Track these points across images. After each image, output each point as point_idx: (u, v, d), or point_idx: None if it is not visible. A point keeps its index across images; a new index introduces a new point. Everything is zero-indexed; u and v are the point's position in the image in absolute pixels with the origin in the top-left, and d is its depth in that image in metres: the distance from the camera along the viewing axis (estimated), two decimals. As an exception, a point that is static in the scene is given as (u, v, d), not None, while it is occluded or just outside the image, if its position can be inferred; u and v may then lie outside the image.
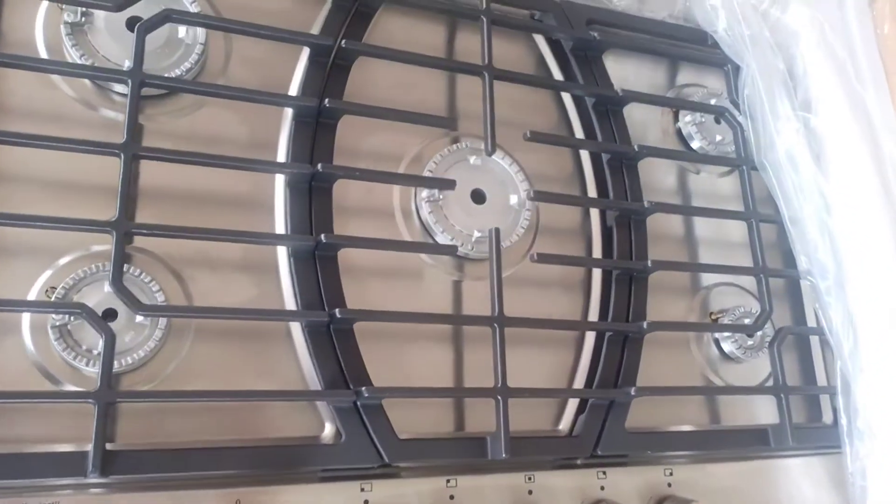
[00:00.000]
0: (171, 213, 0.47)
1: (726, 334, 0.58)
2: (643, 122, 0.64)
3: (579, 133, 0.60)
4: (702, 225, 0.63)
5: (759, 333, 0.58)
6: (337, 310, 0.45)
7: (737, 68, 0.62)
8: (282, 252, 0.48)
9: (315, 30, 0.53)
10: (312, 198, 0.48)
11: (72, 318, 0.41)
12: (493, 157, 0.54)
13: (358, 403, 0.45)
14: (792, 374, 0.60)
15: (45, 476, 0.38)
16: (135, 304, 0.41)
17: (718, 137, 0.63)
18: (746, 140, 0.61)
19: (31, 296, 0.42)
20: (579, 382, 0.53)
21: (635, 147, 0.57)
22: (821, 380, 0.62)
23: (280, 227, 0.48)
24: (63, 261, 0.44)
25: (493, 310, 0.48)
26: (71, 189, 0.45)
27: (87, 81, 0.47)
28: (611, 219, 0.57)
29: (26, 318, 0.42)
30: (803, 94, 0.61)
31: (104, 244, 0.44)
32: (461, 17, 0.57)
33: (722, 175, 0.65)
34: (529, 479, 0.48)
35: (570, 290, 0.56)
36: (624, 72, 0.64)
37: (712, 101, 0.64)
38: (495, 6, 0.56)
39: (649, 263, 0.55)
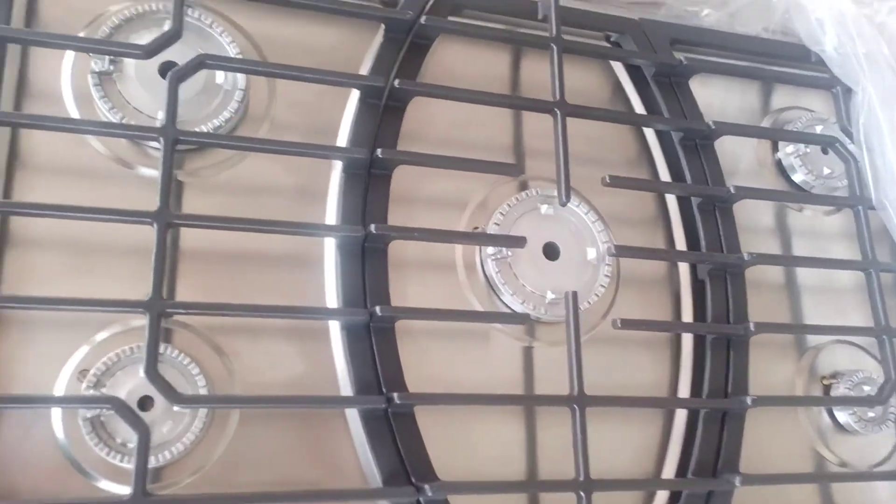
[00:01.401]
0: (212, 276, 0.42)
1: (841, 403, 0.50)
2: (734, 153, 0.56)
3: (663, 169, 0.53)
4: (806, 270, 0.55)
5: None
6: (396, 394, 0.39)
7: (848, 91, 0.54)
8: (335, 330, 0.42)
9: (366, 66, 0.48)
10: (365, 260, 0.43)
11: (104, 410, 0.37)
12: (569, 205, 0.48)
13: (421, 501, 0.39)
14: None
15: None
16: (172, 396, 0.36)
17: (826, 170, 0.55)
18: (861, 174, 0.53)
19: (63, 377, 0.38)
20: (671, 466, 0.46)
21: (731, 189, 0.50)
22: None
23: (331, 290, 0.43)
24: (100, 336, 0.39)
25: (571, 387, 0.42)
26: (103, 252, 0.41)
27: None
28: (703, 272, 0.50)
29: (57, 412, 0.38)
30: (930, 120, 0.52)
31: (144, 318, 0.40)
32: (529, 46, 0.51)
33: (829, 213, 0.57)
34: (616, 583, 0.42)
35: (656, 352, 0.50)
36: (710, 95, 0.57)
37: (818, 129, 0.56)
38: (566, 30, 0.50)
39: (752, 327, 0.47)
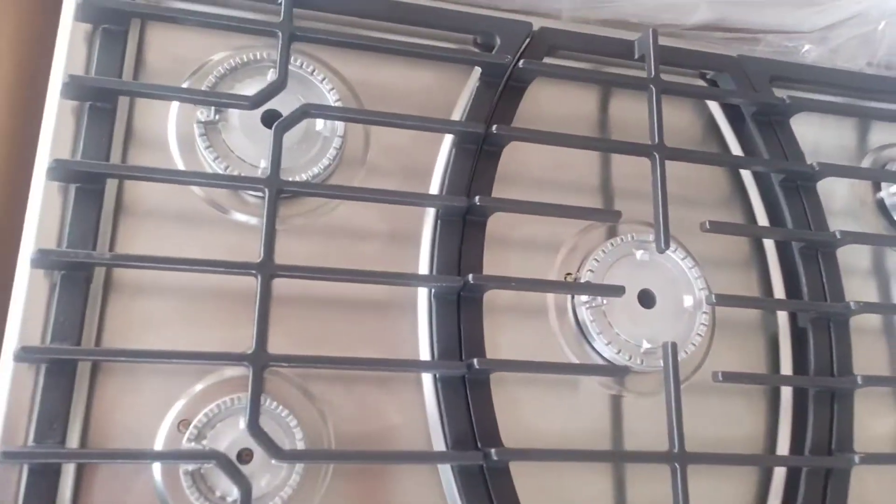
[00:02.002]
0: (305, 322, 0.42)
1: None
2: (831, 191, 0.54)
3: (759, 210, 0.51)
4: (911, 318, 0.52)
5: None
6: (493, 450, 0.39)
7: (959, 129, 0.51)
8: (428, 384, 0.42)
9: (459, 108, 0.47)
10: (461, 309, 0.42)
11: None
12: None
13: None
14: None
15: None
16: (274, 452, 0.36)
17: (933, 212, 0.53)
18: (974, 219, 0.50)
19: (163, 429, 0.39)
20: (771, 524, 0.44)
21: (836, 234, 0.48)
22: None
23: (424, 339, 0.43)
24: (198, 387, 0.40)
25: (671, 444, 0.41)
26: (205, 300, 0.42)
27: (219, 184, 0.44)
28: (804, 320, 0.48)
29: (157, 466, 0.38)
30: None
31: (242, 368, 0.40)
32: (627, 87, 0.50)
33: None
34: None
35: (753, 402, 0.48)
36: (804, 133, 0.54)
37: (921, 169, 0.53)
38: (664, 69, 0.48)
39: (858, 380, 0.45)
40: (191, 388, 0.40)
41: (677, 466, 0.40)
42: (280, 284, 0.42)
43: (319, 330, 0.43)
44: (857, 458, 0.43)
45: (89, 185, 0.40)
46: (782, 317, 0.49)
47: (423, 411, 0.42)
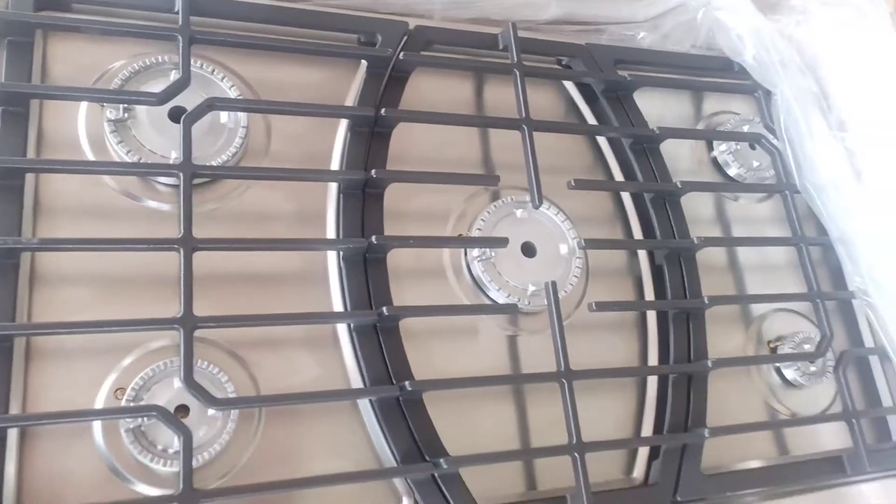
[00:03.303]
0: (227, 298, 0.46)
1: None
2: (676, 154, 0.63)
3: (617, 173, 0.60)
4: (746, 251, 0.62)
5: (821, 359, 0.57)
6: (407, 382, 0.44)
7: (768, 93, 0.62)
8: (342, 327, 0.48)
9: (350, 98, 0.53)
10: (368, 269, 0.48)
11: (145, 419, 0.41)
12: (540, 208, 0.54)
13: (435, 475, 0.44)
14: (856, 395, 0.59)
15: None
16: (209, 400, 0.40)
17: (755, 163, 0.63)
18: (785, 164, 0.61)
19: (100, 398, 0.42)
20: (647, 427, 0.52)
21: (678, 184, 0.57)
22: (885, 398, 0.61)
23: (337, 301, 0.48)
24: (126, 361, 0.43)
25: (558, 364, 0.48)
26: (124, 285, 0.45)
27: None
28: (660, 257, 0.57)
29: (97, 422, 0.42)
30: (837, 114, 0.61)
31: (166, 339, 0.44)
32: (494, 73, 0.57)
33: (760, 200, 0.65)
34: (613, 533, 0.47)
35: (626, 333, 0.56)
36: (651, 105, 0.64)
37: (745, 128, 0.64)
38: (525, 57, 0.56)
39: (706, 300, 0.54)
40: (121, 361, 0.43)
41: (564, 382, 0.47)
42: (201, 264, 0.46)
43: (241, 303, 0.47)
44: (710, 363, 0.52)
45: (9, 181, 0.42)
46: (643, 260, 0.58)
47: (342, 364, 0.47)
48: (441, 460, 0.43)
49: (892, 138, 0.60)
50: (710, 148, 0.65)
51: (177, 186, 0.44)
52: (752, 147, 0.64)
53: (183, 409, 0.42)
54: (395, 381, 0.46)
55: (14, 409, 0.40)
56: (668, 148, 0.62)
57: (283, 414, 0.45)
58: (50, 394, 0.42)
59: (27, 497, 0.39)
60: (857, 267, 0.58)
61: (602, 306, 0.51)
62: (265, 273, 0.48)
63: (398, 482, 0.45)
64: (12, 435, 0.40)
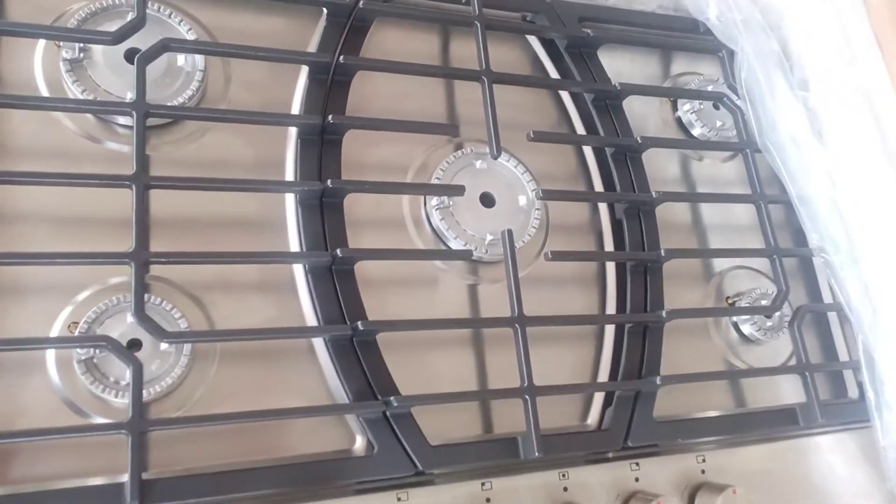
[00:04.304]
0: (184, 241, 0.47)
1: (745, 317, 0.58)
2: (642, 114, 0.64)
3: (581, 130, 0.61)
4: (709, 211, 0.63)
5: (777, 314, 0.58)
6: (360, 322, 0.45)
7: (731, 53, 0.63)
8: (298, 270, 0.48)
9: (311, 47, 0.53)
10: (324, 214, 0.48)
11: (97, 351, 0.41)
12: (499, 159, 0.54)
13: (387, 414, 0.45)
14: (813, 351, 0.60)
15: (83, 511, 0.38)
16: (159, 333, 0.41)
17: (719, 123, 0.64)
18: (747, 123, 0.61)
19: (54, 332, 0.42)
20: (603, 377, 0.53)
21: (638, 139, 0.58)
22: (843, 355, 0.62)
23: (294, 246, 0.49)
24: (82, 296, 0.44)
25: (512, 310, 0.48)
26: (81, 224, 0.45)
27: (89, 116, 0.47)
28: (620, 212, 0.57)
29: (51, 354, 0.42)
30: (799, 73, 0.61)
31: (121, 276, 0.44)
32: (455, 24, 0.58)
33: (725, 160, 0.65)
34: (563, 475, 0.48)
35: (585, 286, 0.56)
36: (618, 66, 0.65)
37: (709, 88, 0.64)
38: (487, 11, 0.57)
39: (662, 253, 0.55)
40: (75, 296, 0.43)
41: (517, 327, 0.48)
42: (158, 208, 0.46)
43: (198, 247, 0.47)
44: (664, 314, 0.53)
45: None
46: (604, 215, 0.59)
47: (298, 306, 0.48)
48: (391, 398, 0.44)
49: (854, 98, 0.60)
50: (675, 108, 0.65)
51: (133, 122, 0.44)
52: (716, 107, 0.65)
53: (136, 345, 0.43)
54: (349, 323, 0.46)
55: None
56: (634, 108, 0.62)
57: (239, 355, 0.46)
58: (3, 327, 0.42)
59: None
60: (815, 225, 0.59)
61: (558, 255, 0.51)
62: (222, 218, 0.48)
63: (352, 422, 0.46)
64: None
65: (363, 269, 0.49)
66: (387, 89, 0.55)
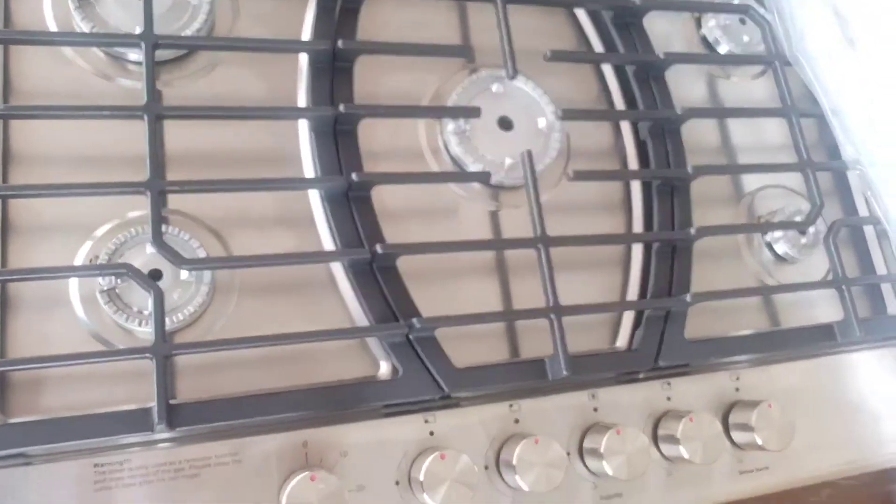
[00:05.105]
0: (199, 177, 0.46)
1: (778, 235, 0.56)
2: (665, 34, 0.61)
3: (599, 50, 0.59)
4: (738, 131, 0.61)
5: (812, 230, 0.56)
6: (378, 245, 0.44)
7: (755, -38, 0.60)
8: (315, 201, 0.47)
9: (319, -21, 0.52)
10: (338, 141, 0.47)
11: (118, 280, 0.41)
12: (516, 82, 0.53)
13: (411, 337, 0.44)
14: (850, 269, 0.58)
15: (113, 434, 0.38)
16: (178, 259, 0.41)
17: (745, 38, 0.61)
18: (775, 36, 0.58)
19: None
20: (631, 299, 0.52)
21: (661, 55, 0.55)
22: (880, 271, 0.59)
23: (308, 169, 0.48)
24: (100, 231, 0.44)
25: (535, 231, 0.47)
26: (97, 163, 0.45)
27: (101, 54, 0.47)
28: (644, 132, 0.56)
29: (74, 289, 0.42)
30: (830, -21, 0.58)
31: (138, 209, 0.44)
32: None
33: (754, 77, 0.63)
34: (593, 396, 0.47)
35: (610, 211, 0.55)
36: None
37: (735, 2, 0.61)
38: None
39: (690, 170, 0.53)
40: (94, 232, 0.44)
41: (541, 247, 0.47)
42: (172, 144, 0.46)
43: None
44: (693, 231, 0.51)
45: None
46: (628, 138, 0.57)
47: (317, 237, 0.47)
48: (414, 320, 0.43)
49: (888, 2, 0.57)
50: (699, 27, 0.63)
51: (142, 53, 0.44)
52: (743, 22, 0.62)
53: (156, 275, 0.43)
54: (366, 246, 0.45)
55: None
56: (656, 29, 0.60)
57: (259, 287, 0.45)
58: (25, 263, 0.42)
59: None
60: (849, 137, 0.56)
61: (580, 175, 0.50)
62: (237, 151, 0.48)
63: (375, 349, 0.46)
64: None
65: (382, 200, 0.48)
66: (399, 18, 0.54)
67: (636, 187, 0.55)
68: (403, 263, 0.46)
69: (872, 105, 0.56)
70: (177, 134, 0.46)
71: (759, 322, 0.55)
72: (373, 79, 0.52)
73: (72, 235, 0.43)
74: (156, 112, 0.42)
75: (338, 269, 0.46)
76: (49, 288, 0.42)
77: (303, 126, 0.48)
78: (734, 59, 0.60)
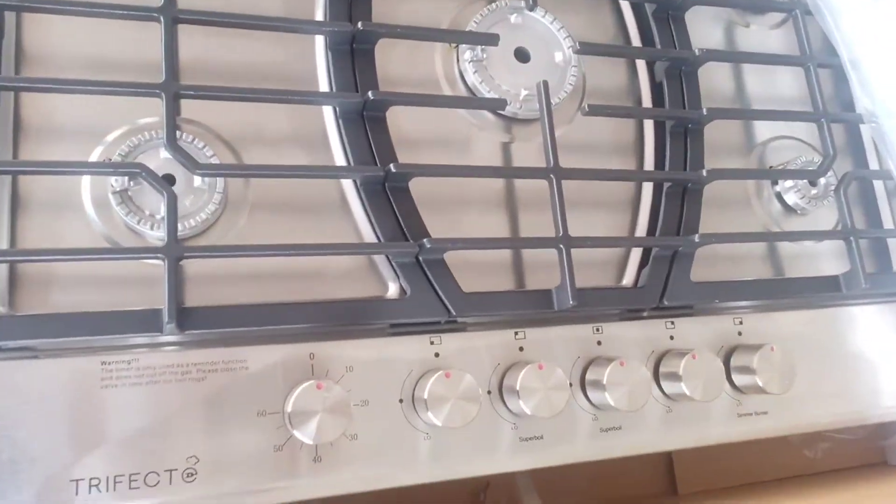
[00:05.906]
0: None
1: (789, 185, 0.56)
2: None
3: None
4: (754, 80, 0.60)
5: (823, 182, 0.56)
6: (392, 164, 0.44)
7: None
8: (330, 120, 0.47)
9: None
10: (355, 59, 0.47)
11: (131, 182, 0.41)
12: (535, 14, 0.52)
13: (420, 259, 0.44)
14: (858, 224, 0.58)
15: (122, 332, 0.38)
16: (192, 164, 0.40)
17: (767, -14, 0.60)
18: (798, -17, 0.58)
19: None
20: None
21: (682, -12, 0.55)
22: (888, 226, 0.59)
23: (324, 83, 0.47)
24: (112, 136, 0.43)
25: (548, 162, 0.47)
26: (113, 68, 0.45)
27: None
28: (660, 73, 0.55)
29: (87, 191, 0.42)
30: (857, -72, 0.57)
31: (151, 116, 0.44)
32: None
33: (774, 27, 0.62)
34: (597, 330, 0.47)
35: (622, 151, 0.55)
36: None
37: (758, -50, 0.61)
38: None
39: (704, 111, 0.53)
40: (105, 136, 0.43)
41: (553, 178, 0.46)
42: (186, 58, 0.45)
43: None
44: (705, 173, 0.51)
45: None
46: (643, 79, 0.56)
47: (331, 157, 0.47)
48: (424, 241, 0.43)
49: (915, -45, 0.56)
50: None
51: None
52: (765, -30, 0.61)
53: (170, 180, 0.42)
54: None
55: (4, 184, 0.41)
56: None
57: (270, 204, 0.45)
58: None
59: (24, 266, 0.40)
60: (866, 89, 0.56)
61: (595, 109, 0.50)
62: (253, 65, 0.47)
63: (384, 269, 0.46)
64: (4, 209, 0.40)
65: (396, 127, 0.47)
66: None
67: (649, 129, 0.54)
68: (414, 191, 0.46)
69: (893, 57, 0.56)
70: (190, 44, 0.45)
71: (764, 272, 0.55)
72: (391, 4, 0.51)
73: (83, 139, 0.43)
74: (172, 15, 0.42)
75: (350, 189, 0.46)
76: (61, 189, 0.42)
77: (319, 45, 0.47)
78: (756, 4, 0.60)
